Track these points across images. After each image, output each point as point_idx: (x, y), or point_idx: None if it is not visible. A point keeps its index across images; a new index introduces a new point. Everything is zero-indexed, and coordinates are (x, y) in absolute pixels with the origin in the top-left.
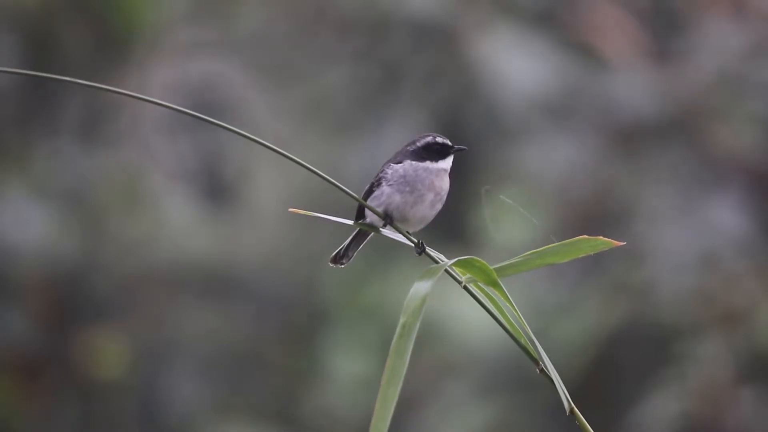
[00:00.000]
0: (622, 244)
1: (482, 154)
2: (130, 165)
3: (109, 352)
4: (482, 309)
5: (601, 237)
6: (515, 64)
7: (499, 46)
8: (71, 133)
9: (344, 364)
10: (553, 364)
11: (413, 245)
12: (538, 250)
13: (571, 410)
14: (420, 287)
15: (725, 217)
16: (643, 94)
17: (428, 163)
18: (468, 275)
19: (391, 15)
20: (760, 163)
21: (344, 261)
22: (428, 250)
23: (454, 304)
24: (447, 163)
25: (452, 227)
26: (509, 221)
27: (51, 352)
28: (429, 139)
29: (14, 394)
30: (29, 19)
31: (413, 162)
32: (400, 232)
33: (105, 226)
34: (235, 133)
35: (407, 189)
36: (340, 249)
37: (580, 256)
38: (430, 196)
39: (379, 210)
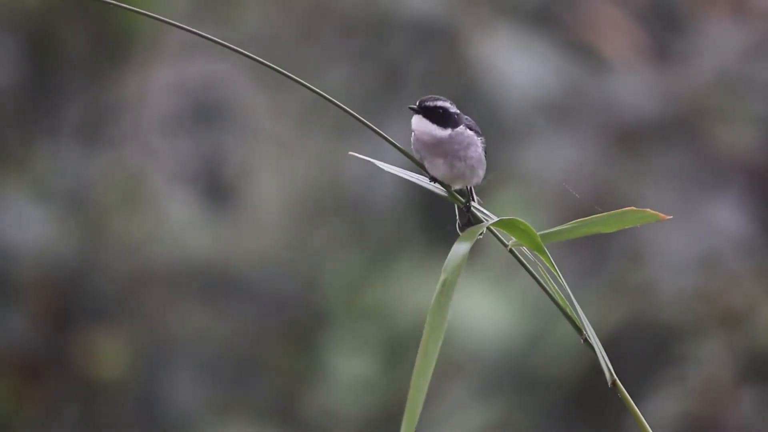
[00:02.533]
0: (669, 217)
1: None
2: (130, 165)
3: (109, 352)
4: (482, 308)
5: (648, 210)
6: (516, 65)
7: (500, 46)
8: (72, 134)
9: (345, 364)
10: (553, 364)
11: (461, 203)
12: (586, 218)
13: (614, 382)
14: (460, 247)
15: (725, 217)
16: (643, 95)
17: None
18: (514, 239)
19: (391, 15)
20: (760, 163)
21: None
22: (473, 209)
23: (456, 305)
24: (414, 122)
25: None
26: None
27: (51, 352)
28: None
29: (14, 394)
30: (29, 19)
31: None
32: (446, 188)
33: (105, 226)
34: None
35: (420, 154)
36: (457, 222)
37: (627, 227)
38: (439, 161)
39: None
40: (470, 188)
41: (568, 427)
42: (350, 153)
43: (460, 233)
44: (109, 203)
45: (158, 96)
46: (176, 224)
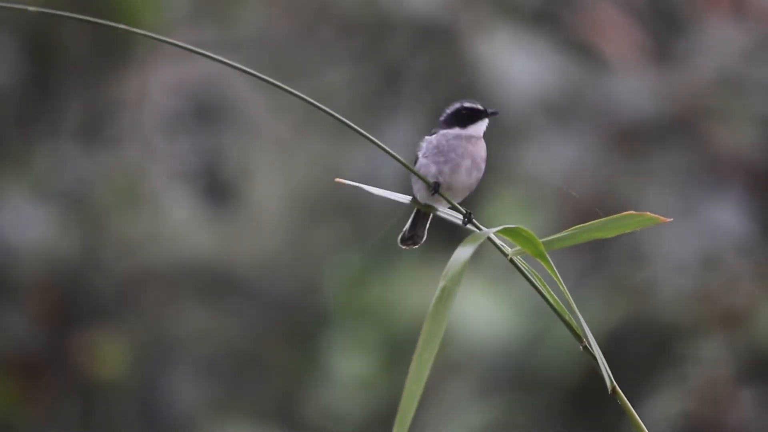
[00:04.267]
0: (669, 220)
1: None
2: (130, 165)
3: (109, 352)
4: (482, 308)
5: (647, 213)
6: (515, 65)
7: (500, 46)
8: (72, 133)
9: (344, 364)
10: (552, 364)
11: (462, 215)
12: (585, 224)
13: (613, 389)
14: (461, 253)
15: (725, 217)
16: (644, 95)
17: (457, 130)
18: (515, 248)
19: (391, 15)
20: (760, 163)
21: (416, 241)
22: (474, 221)
23: (457, 305)
24: (477, 128)
25: (458, 226)
26: (511, 219)
27: (51, 352)
28: (457, 105)
29: (14, 394)
30: (29, 19)
31: (444, 131)
32: (448, 201)
33: (105, 226)
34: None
35: (441, 159)
36: (405, 230)
37: (626, 231)
38: (466, 164)
39: (422, 183)
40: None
41: (567, 428)
42: (337, 180)
43: (401, 245)
44: (109, 203)
45: (158, 96)
46: (176, 224)
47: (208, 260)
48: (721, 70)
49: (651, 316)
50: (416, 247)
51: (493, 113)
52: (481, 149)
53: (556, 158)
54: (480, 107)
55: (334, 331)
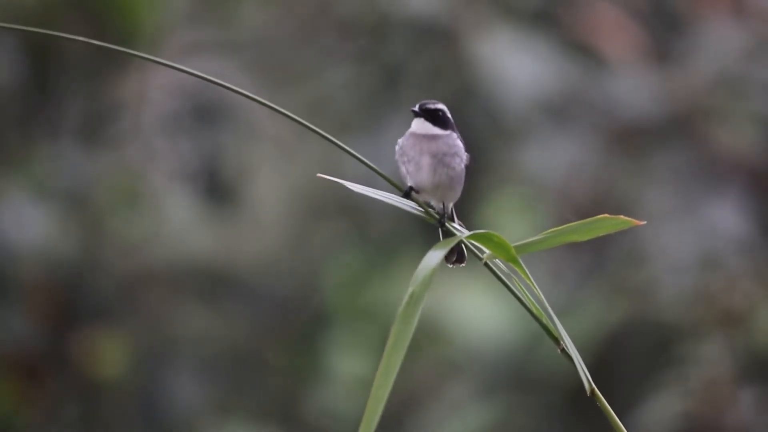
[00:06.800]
0: (642, 223)
1: (483, 154)
2: (130, 165)
3: (109, 352)
4: (482, 309)
5: (621, 216)
6: (515, 65)
7: (499, 46)
8: (72, 134)
9: (344, 364)
10: (552, 365)
11: (435, 219)
12: (559, 228)
13: (592, 391)
14: (431, 257)
15: (725, 217)
16: (643, 95)
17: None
18: (488, 252)
19: (391, 16)
20: (760, 163)
21: (461, 259)
22: (448, 224)
23: (455, 303)
24: (416, 125)
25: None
26: (511, 219)
27: (51, 352)
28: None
29: (14, 394)
30: (29, 20)
31: (410, 131)
32: (420, 204)
33: (105, 226)
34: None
35: (405, 159)
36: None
37: (601, 234)
38: (426, 160)
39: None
40: (449, 207)
41: (567, 428)
42: (319, 175)
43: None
44: (109, 203)
45: (158, 96)
46: (176, 224)
47: (208, 260)
48: (721, 70)
49: (651, 317)
50: (463, 265)
51: (414, 112)
52: (442, 144)
53: (555, 158)
54: (415, 108)
55: (333, 331)
